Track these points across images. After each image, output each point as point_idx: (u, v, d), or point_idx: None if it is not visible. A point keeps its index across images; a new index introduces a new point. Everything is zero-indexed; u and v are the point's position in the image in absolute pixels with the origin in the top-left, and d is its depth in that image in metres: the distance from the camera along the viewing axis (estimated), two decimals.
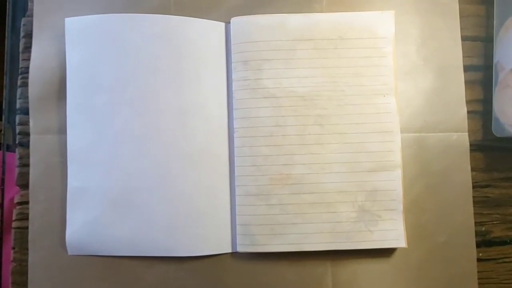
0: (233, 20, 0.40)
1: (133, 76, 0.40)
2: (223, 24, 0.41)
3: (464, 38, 0.40)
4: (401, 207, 0.39)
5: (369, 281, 0.39)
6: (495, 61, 0.40)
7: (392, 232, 0.39)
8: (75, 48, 0.40)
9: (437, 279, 0.39)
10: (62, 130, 0.40)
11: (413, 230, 0.39)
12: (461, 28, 0.40)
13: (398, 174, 0.39)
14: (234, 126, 0.40)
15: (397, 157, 0.39)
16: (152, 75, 0.40)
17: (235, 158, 0.40)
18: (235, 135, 0.40)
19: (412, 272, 0.39)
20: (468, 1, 0.41)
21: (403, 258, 0.39)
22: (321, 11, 0.41)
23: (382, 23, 0.40)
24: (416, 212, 0.40)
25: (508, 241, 0.39)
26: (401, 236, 0.38)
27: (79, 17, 0.40)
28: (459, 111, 0.40)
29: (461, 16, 0.40)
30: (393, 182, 0.39)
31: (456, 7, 0.41)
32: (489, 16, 0.41)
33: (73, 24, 0.40)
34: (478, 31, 0.41)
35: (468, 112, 0.40)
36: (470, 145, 0.39)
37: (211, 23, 0.41)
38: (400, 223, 0.39)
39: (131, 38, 0.40)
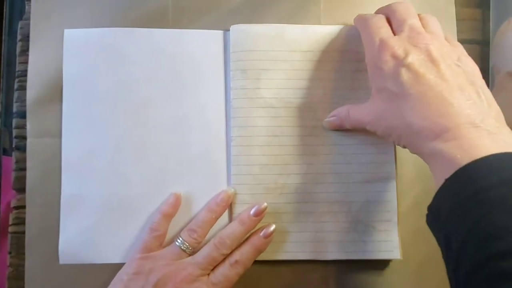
0: (233, 28, 0.40)
1: (131, 87, 0.40)
2: (221, 32, 0.41)
3: (460, 41, 0.40)
4: (395, 218, 0.39)
5: (368, 286, 0.39)
6: (491, 64, 0.40)
7: (386, 244, 0.38)
8: (73, 59, 0.40)
9: (436, 282, 0.39)
10: (59, 134, 0.40)
11: (412, 233, 0.39)
12: (457, 31, 0.41)
13: (392, 185, 0.39)
14: (231, 135, 0.40)
15: (391, 169, 0.39)
16: (150, 86, 0.40)
17: (231, 166, 0.39)
18: (232, 143, 0.40)
19: (411, 276, 0.39)
20: (464, 5, 0.41)
21: (402, 262, 0.39)
22: (319, 14, 0.41)
23: None
24: (414, 215, 0.40)
25: None
26: (395, 247, 0.38)
27: (78, 29, 0.41)
28: None
29: (457, 20, 0.41)
30: (388, 193, 0.39)
31: (452, 10, 0.41)
32: (485, 20, 0.41)
33: (72, 36, 0.41)
34: (475, 34, 0.41)
35: None
36: None
37: (209, 33, 0.41)
38: (395, 234, 0.38)
39: (129, 51, 0.40)
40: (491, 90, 0.39)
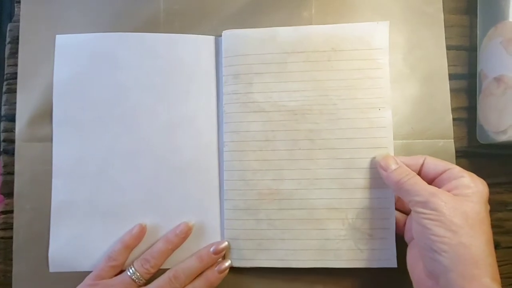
0: (225, 33, 0.40)
1: (123, 93, 0.40)
2: (212, 38, 0.41)
3: (449, 47, 0.41)
4: (393, 226, 0.37)
5: None
6: (479, 69, 0.41)
7: (383, 252, 0.37)
8: (64, 64, 0.40)
9: None
10: (48, 138, 0.40)
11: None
12: (446, 38, 0.41)
13: (390, 192, 0.38)
14: (224, 140, 0.39)
15: None
16: (141, 91, 0.40)
17: (224, 172, 0.39)
18: (224, 149, 0.39)
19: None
20: (452, 12, 0.42)
21: (398, 270, 0.38)
22: (310, 19, 0.41)
23: (377, 34, 0.39)
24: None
25: (496, 245, 0.40)
26: (392, 255, 0.37)
27: (70, 35, 0.40)
28: (445, 118, 0.40)
29: (446, 26, 0.41)
30: (386, 200, 0.38)
31: (441, 17, 0.41)
32: (472, 26, 0.42)
33: (63, 41, 0.40)
34: (463, 40, 0.42)
35: (454, 119, 0.40)
36: (456, 151, 0.40)
37: (200, 38, 0.41)
38: (392, 243, 0.37)
39: (121, 56, 0.40)
40: (478, 95, 0.40)
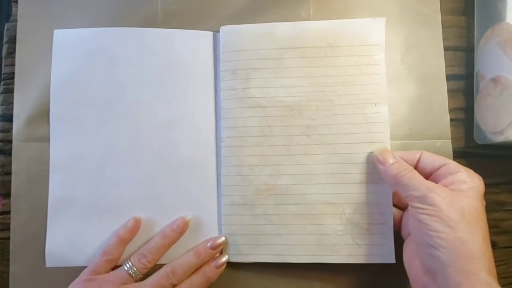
0: (223, 28, 0.40)
1: (121, 89, 0.40)
2: (211, 33, 0.41)
3: (446, 48, 0.41)
4: (391, 221, 0.37)
5: None
6: (476, 70, 0.41)
7: (381, 247, 0.37)
8: (62, 60, 0.40)
9: None
10: (46, 138, 0.40)
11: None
12: (443, 38, 0.41)
13: (388, 186, 0.37)
14: (222, 136, 0.39)
15: None
16: (140, 88, 0.40)
17: (221, 167, 0.39)
18: (222, 144, 0.39)
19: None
20: (450, 12, 0.42)
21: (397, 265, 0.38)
22: (308, 19, 0.41)
23: (373, 30, 0.39)
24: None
25: (493, 245, 0.40)
26: (390, 251, 0.37)
27: (67, 29, 0.40)
28: (443, 118, 0.41)
29: (443, 27, 0.41)
30: (383, 195, 0.38)
31: (438, 18, 0.42)
32: (470, 27, 0.42)
33: (61, 36, 0.40)
34: (460, 41, 0.42)
35: (451, 120, 0.41)
36: (453, 152, 0.40)
37: (199, 33, 0.41)
38: (390, 238, 0.37)
39: (119, 51, 0.40)
40: (476, 96, 0.40)
